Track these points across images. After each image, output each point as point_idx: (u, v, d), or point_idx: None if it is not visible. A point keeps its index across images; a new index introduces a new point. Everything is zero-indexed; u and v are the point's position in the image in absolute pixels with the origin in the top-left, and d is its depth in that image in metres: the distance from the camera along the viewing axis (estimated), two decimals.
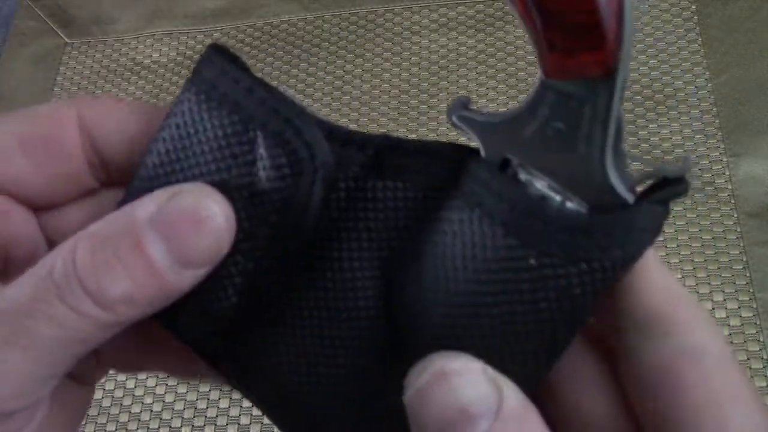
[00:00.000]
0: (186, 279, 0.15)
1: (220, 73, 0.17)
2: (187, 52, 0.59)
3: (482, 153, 0.17)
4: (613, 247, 0.15)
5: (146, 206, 0.15)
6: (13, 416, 0.15)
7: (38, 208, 0.18)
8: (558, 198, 0.16)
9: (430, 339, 0.16)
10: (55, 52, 0.62)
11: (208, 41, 0.59)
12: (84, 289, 0.14)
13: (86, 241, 0.15)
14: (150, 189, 0.16)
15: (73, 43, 0.62)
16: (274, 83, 0.58)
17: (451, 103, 0.17)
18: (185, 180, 0.17)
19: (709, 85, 0.49)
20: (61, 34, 0.62)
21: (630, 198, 0.15)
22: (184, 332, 0.18)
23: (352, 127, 0.53)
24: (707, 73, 0.49)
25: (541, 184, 0.16)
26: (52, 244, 0.19)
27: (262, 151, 0.16)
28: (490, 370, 0.15)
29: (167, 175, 0.17)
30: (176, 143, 0.17)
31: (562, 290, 0.15)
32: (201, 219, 0.15)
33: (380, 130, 0.52)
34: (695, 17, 0.52)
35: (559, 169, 0.15)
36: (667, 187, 0.15)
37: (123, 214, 0.15)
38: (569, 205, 0.15)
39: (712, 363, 0.15)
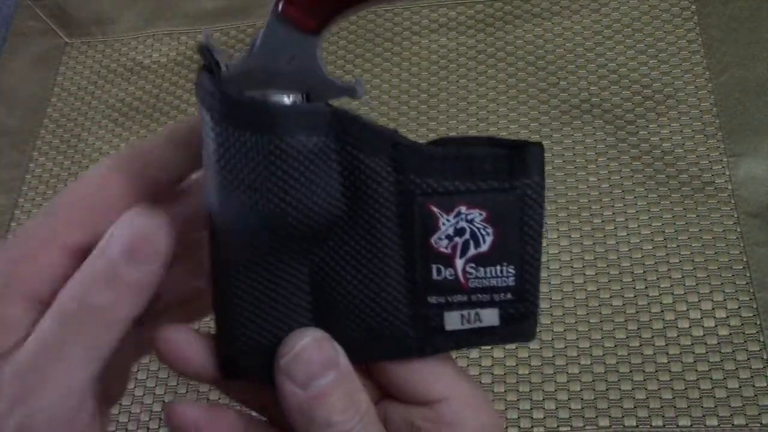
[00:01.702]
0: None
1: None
2: (187, 52, 0.59)
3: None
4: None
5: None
6: None
7: None
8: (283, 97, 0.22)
9: None
10: (55, 52, 0.62)
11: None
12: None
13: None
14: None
15: (73, 43, 0.62)
16: None
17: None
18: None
19: (709, 85, 0.49)
20: (61, 34, 0.62)
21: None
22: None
23: None
24: (707, 73, 0.49)
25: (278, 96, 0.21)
26: None
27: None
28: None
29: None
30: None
31: None
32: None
33: None
34: (695, 17, 0.52)
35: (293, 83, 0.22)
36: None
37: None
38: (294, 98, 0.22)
39: None
